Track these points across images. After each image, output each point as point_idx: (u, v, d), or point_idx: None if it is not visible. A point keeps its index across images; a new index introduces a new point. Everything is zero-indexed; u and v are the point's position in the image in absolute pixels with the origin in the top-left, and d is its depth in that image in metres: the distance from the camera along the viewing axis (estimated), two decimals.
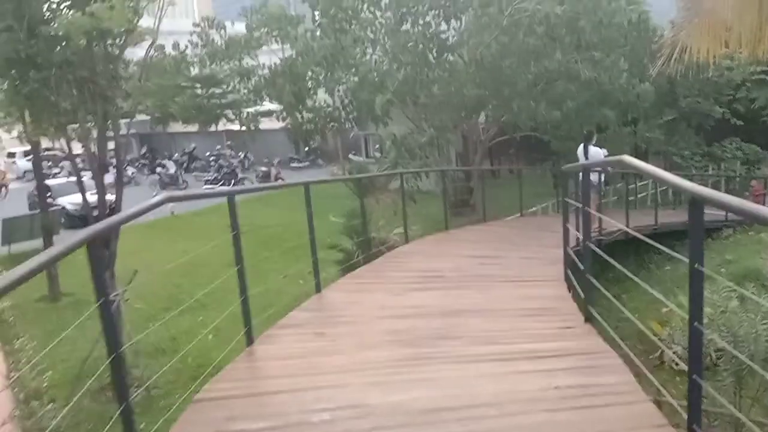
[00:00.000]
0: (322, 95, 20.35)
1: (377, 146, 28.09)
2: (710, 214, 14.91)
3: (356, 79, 16.69)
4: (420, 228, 12.65)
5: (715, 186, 19.45)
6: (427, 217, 16.47)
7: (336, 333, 4.62)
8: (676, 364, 8.56)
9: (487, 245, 9.18)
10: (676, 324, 8.87)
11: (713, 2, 6.18)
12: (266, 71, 20.40)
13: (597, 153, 10.85)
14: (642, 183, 16.40)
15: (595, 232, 10.09)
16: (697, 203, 2.64)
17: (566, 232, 6.26)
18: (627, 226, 11.67)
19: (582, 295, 4.65)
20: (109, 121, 10.15)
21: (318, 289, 6.15)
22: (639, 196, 16.84)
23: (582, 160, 11.16)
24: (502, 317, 4.81)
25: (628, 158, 3.61)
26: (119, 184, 9.86)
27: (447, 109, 15.50)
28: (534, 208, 15.58)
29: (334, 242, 11.33)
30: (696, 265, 2.64)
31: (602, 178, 10.93)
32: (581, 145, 11.15)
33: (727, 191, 19.48)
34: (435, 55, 15.53)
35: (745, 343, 6.21)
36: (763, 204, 10.83)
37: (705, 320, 6.94)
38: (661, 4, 19.16)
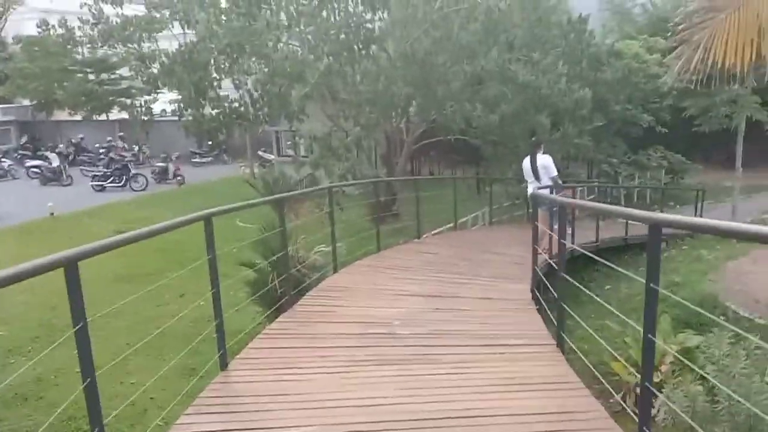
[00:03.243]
0: (228, 85, 18.18)
1: (289, 143, 26.08)
2: (639, 226, 13.99)
3: (267, 69, 14.75)
4: (345, 244, 11.03)
5: (640, 195, 19.16)
6: (349, 225, 14.85)
7: None
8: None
9: (433, 276, 7.63)
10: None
11: None
12: (164, 58, 17.88)
13: (548, 162, 9.79)
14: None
15: (547, 252, 8.92)
16: None
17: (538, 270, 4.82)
18: (572, 243, 10.72)
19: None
20: None
21: (223, 365, 4.34)
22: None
23: (529, 171, 10.08)
24: None
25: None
26: None
27: (373, 106, 13.90)
28: (465, 219, 14.32)
29: (244, 257, 9.52)
30: None
31: (553, 193, 9.85)
32: (527, 157, 10.08)
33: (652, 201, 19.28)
34: (360, 46, 13.87)
35: None
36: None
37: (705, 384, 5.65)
38: (585, 6, 18.57)
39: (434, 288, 6.92)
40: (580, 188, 15.16)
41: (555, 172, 9.96)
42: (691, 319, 9.25)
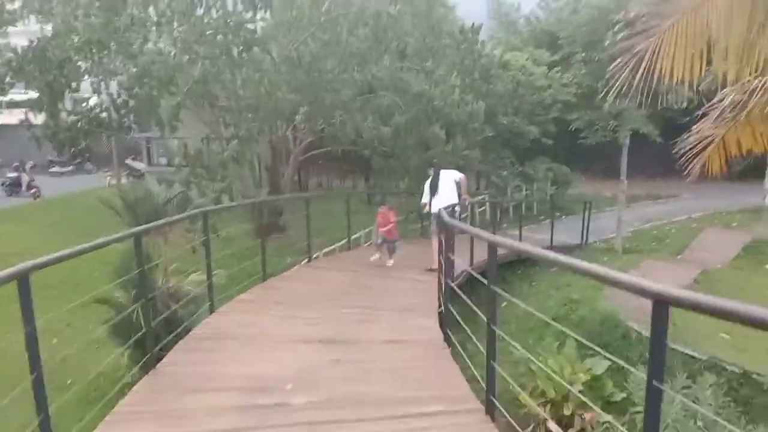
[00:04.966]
0: (89, 87, 16.08)
1: (162, 150, 24.04)
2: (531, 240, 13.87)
3: (135, 71, 13.07)
4: (226, 269, 9.76)
5: (528, 206, 19.31)
6: (229, 244, 13.51)
7: None
8: None
9: (330, 312, 6.64)
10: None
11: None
12: (10, 54, 15.41)
13: (453, 174, 9.55)
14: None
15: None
16: None
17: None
18: (471, 261, 10.25)
19: None
20: None
21: None
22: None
23: (427, 193, 9.56)
24: None
25: None
26: None
27: (255, 114, 12.67)
28: (358, 234, 13.50)
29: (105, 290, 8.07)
30: None
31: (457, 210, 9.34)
32: (428, 182, 9.55)
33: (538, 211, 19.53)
34: (241, 49, 12.60)
35: None
36: (393, 233, 10.01)
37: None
38: (474, 15, 18.47)
39: (332, 330, 5.94)
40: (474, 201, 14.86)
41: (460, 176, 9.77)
42: (593, 339, 9.00)
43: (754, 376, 7.28)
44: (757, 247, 13.91)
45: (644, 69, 4.74)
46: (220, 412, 3.98)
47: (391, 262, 9.84)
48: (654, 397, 2.10)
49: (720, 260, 13.09)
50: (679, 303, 1.99)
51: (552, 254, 3.11)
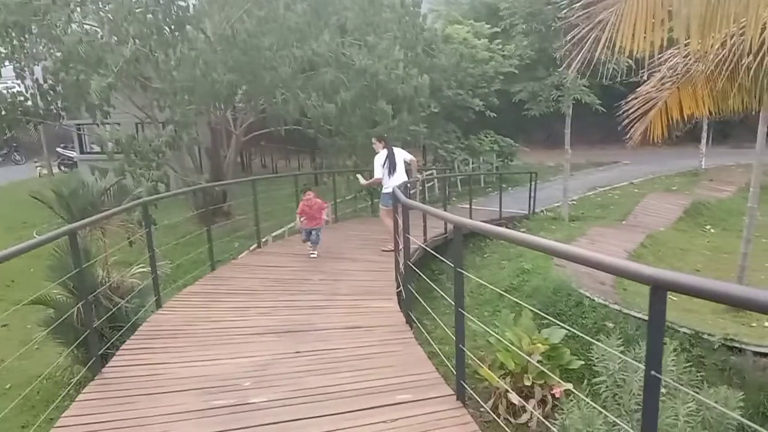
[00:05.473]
0: (10, 73, 15.06)
1: (95, 137, 22.84)
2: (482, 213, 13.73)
3: (60, 54, 12.26)
4: (170, 261, 9.35)
5: (474, 179, 19.36)
6: (172, 231, 12.99)
7: None
8: (514, 417, 7.00)
9: (285, 301, 6.39)
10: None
11: None
12: None
13: (403, 153, 9.33)
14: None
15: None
16: None
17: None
18: (425, 237, 10.19)
19: None
20: None
21: None
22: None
23: (379, 169, 9.22)
24: None
25: None
26: None
27: (191, 96, 12.10)
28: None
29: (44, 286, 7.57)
30: None
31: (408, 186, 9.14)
32: (382, 155, 9.16)
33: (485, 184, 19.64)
34: (173, 27, 11.96)
35: None
36: (319, 221, 9.51)
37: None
38: None
39: (289, 319, 5.70)
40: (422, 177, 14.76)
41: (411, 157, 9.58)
42: (548, 308, 9.08)
43: (705, 336, 7.46)
44: (697, 210, 14.37)
45: (605, 40, 4.62)
46: (175, 418, 3.71)
47: (315, 254, 9.05)
48: (652, 386, 1.97)
49: (663, 223, 13.45)
50: (677, 288, 1.85)
51: (539, 240, 2.96)
